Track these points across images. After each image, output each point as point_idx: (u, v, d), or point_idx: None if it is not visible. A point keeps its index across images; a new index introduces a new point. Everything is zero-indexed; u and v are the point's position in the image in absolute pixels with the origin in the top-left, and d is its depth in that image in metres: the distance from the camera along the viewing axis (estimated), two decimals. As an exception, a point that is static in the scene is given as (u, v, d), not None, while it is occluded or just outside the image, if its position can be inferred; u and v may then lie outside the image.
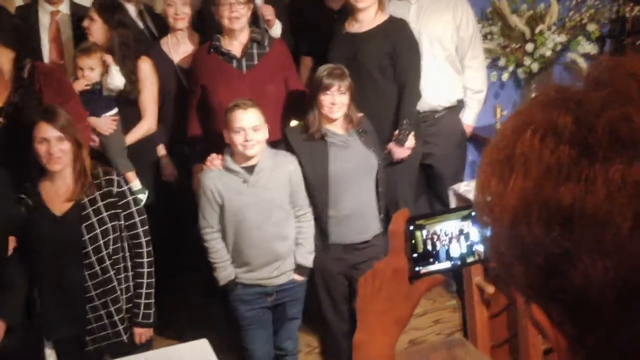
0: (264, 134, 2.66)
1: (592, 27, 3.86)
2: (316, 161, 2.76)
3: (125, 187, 2.50)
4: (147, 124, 3.14)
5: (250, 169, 2.66)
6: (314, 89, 2.81)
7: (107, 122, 3.00)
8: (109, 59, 2.99)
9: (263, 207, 2.66)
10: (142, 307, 2.53)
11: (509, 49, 3.84)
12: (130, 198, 2.50)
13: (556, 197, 0.51)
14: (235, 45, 3.02)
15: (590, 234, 0.50)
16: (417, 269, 0.83)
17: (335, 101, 2.74)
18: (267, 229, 2.67)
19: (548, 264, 0.52)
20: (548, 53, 3.76)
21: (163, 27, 3.36)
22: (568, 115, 0.53)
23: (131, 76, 3.03)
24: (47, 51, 3.27)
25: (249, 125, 2.60)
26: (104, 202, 2.45)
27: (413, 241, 0.83)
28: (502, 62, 3.84)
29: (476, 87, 3.37)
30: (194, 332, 2.66)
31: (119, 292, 2.49)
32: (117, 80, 2.98)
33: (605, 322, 0.51)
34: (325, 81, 2.75)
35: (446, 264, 0.84)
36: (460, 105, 3.38)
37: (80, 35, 3.15)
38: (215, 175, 2.67)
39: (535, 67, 3.78)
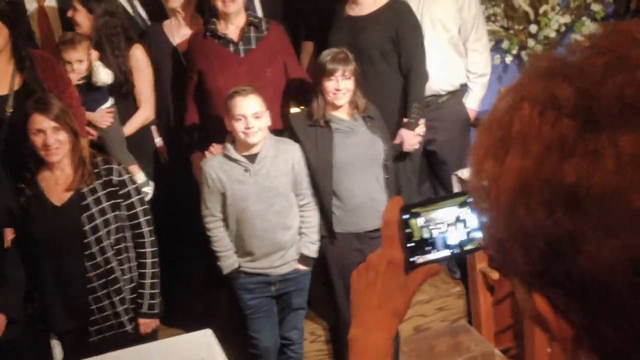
0: (265, 121, 2.62)
1: (596, 7, 3.80)
2: (320, 148, 2.71)
3: (125, 176, 2.46)
4: (145, 113, 3.08)
5: (252, 158, 2.63)
6: (317, 75, 2.76)
7: (103, 115, 2.91)
8: (93, 54, 2.89)
9: (265, 196, 2.63)
10: (146, 298, 2.51)
11: (513, 31, 3.78)
12: (131, 187, 2.46)
13: (559, 175, 0.47)
14: (231, 29, 2.97)
15: (598, 212, 0.46)
16: (412, 259, 0.80)
17: (340, 87, 2.69)
18: (270, 219, 2.64)
19: (551, 248, 0.49)
20: (552, 34, 3.70)
21: (155, 12, 3.29)
22: (568, 85, 0.49)
23: (121, 67, 2.93)
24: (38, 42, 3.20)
25: (250, 112, 2.56)
26: (104, 191, 2.41)
27: (408, 230, 0.79)
28: (505, 44, 3.78)
29: (480, 70, 3.31)
30: (198, 322, 2.65)
31: (122, 283, 2.46)
32: (102, 76, 2.87)
33: (616, 308, 0.47)
34: (328, 66, 2.69)
35: (444, 252, 0.80)
36: (463, 89, 3.33)
37: (69, 25, 3.06)
38: (216, 164, 2.64)
39: (539, 49, 3.72)
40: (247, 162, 2.62)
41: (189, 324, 2.88)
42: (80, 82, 2.86)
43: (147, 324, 2.54)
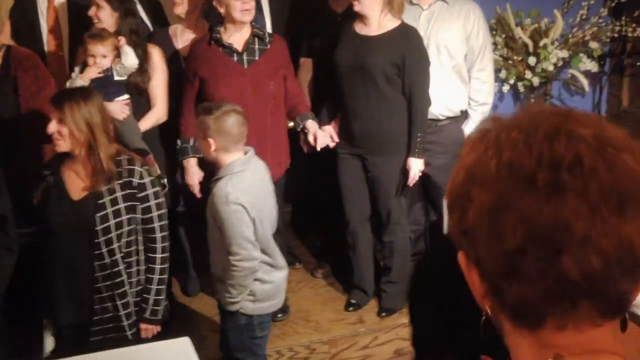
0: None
1: (594, 45, 3.85)
2: None
3: (146, 179, 2.38)
4: (158, 114, 3.08)
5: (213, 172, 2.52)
6: None
7: (120, 106, 2.93)
8: (121, 40, 2.94)
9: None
10: (150, 303, 2.43)
11: (511, 62, 3.82)
12: (150, 191, 2.38)
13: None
14: (236, 38, 2.96)
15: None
16: None
17: None
18: (213, 235, 2.52)
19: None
20: (550, 68, 3.74)
21: (157, 17, 3.31)
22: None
23: (143, 64, 2.97)
24: (46, 40, 3.20)
25: None
26: (123, 192, 2.35)
27: None
28: (503, 74, 3.81)
29: (482, 99, 3.30)
30: (176, 330, 2.60)
31: (127, 287, 2.39)
32: (131, 59, 2.92)
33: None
34: None
35: None
36: (463, 115, 3.33)
37: (78, 23, 3.07)
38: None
39: (536, 81, 3.76)
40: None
41: (166, 333, 2.82)
42: (101, 74, 2.90)
43: (148, 330, 2.47)
